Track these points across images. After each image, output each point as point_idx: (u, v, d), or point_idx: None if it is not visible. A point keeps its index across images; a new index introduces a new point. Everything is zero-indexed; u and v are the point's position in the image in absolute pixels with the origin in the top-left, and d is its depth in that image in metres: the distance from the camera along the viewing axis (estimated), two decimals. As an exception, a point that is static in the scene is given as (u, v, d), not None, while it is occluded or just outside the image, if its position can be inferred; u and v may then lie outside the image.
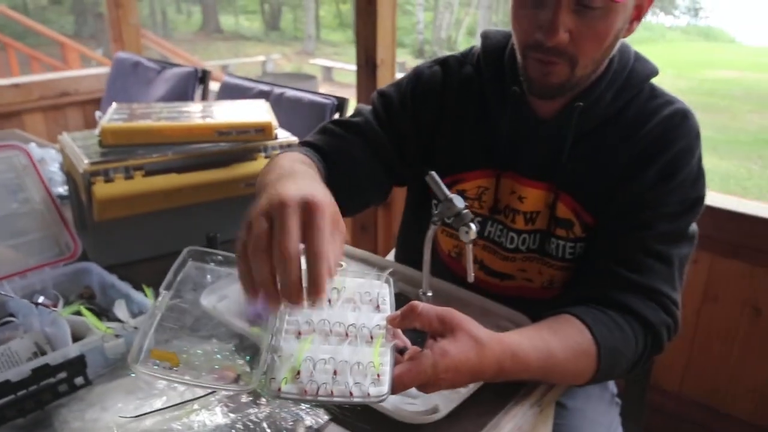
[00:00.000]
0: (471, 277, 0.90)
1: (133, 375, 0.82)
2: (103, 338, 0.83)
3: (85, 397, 0.79)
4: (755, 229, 1.61)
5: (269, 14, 22.39)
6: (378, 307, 0.73)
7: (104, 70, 3.24)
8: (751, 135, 9.76)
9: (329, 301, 0.73)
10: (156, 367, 0.71)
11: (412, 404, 0.79)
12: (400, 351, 0.70)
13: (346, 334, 0.69)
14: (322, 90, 2.38)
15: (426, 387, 0.68)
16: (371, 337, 0.69)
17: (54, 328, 0.85)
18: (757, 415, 1.75)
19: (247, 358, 0.88)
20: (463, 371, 0.68)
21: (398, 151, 1.08)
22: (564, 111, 0.96)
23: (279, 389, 0.64)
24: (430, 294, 0.96)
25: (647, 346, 0.87)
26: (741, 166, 8.35)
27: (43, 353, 0.83)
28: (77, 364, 0.79)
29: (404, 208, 1.23)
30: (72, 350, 0.80)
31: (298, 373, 0.65)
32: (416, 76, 1.10)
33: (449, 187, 1.04)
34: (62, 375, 0.78)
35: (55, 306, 0.91)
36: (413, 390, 0.79)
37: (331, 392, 0.64)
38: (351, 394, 0.64)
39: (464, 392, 0.80)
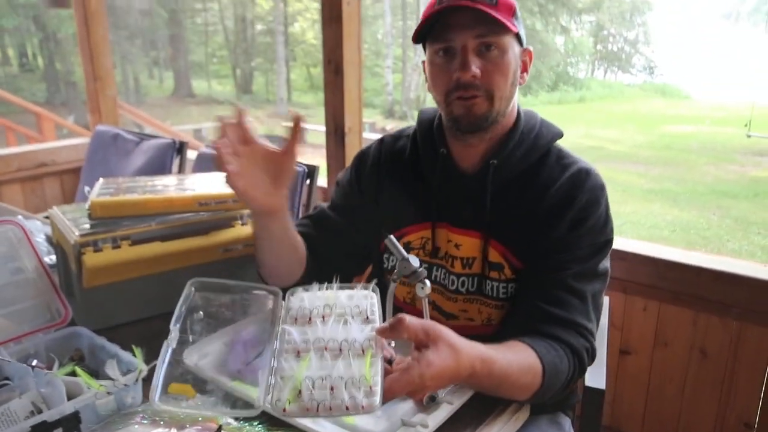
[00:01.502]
0: None
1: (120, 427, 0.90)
2: (96, 396, 0.91)
3: (79, 451, 0.86)
4: (698, 278, 1.75)
5: (241, 78, 22.82)
6: (367, 318, 0.83)
7: (81, 140, 3.32)
8: (708, 186, 10.16)
9: (323, 317, 0.83)
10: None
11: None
12: (388, 361, 0.80)
13: (340, 350, 0.78)
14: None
15: (414, 393, 0.79)
16: (362, 351, 0.78)
17: (49, 388, 0.92)
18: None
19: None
20: (444, 376, 0.80)
21: (354, 226, 1.26)
22: (482, 168, 1.13)
23: (284, 409, 0.73)
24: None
25: (575, 368, 1.01)
26: (700, 216, 8.63)
27: (40, 412, 0.90)
28: (72, 420, 0.87)
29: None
30: (67, 407, 0.87)
31: (299, 392, 0.74)
32: (358, 157, 1.31)
33: (397, 240, 1.21)
34: (58, 431, 0.85)
35: (50, 368, 0.98)
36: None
37: (330, 407, 0.73)
38: (347, 408, 0.73)
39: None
